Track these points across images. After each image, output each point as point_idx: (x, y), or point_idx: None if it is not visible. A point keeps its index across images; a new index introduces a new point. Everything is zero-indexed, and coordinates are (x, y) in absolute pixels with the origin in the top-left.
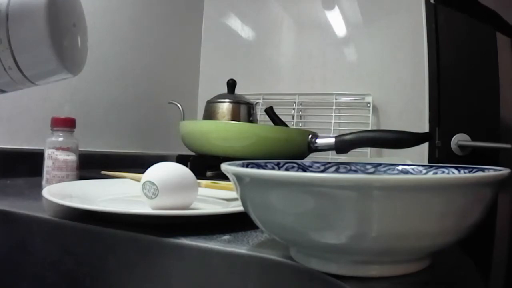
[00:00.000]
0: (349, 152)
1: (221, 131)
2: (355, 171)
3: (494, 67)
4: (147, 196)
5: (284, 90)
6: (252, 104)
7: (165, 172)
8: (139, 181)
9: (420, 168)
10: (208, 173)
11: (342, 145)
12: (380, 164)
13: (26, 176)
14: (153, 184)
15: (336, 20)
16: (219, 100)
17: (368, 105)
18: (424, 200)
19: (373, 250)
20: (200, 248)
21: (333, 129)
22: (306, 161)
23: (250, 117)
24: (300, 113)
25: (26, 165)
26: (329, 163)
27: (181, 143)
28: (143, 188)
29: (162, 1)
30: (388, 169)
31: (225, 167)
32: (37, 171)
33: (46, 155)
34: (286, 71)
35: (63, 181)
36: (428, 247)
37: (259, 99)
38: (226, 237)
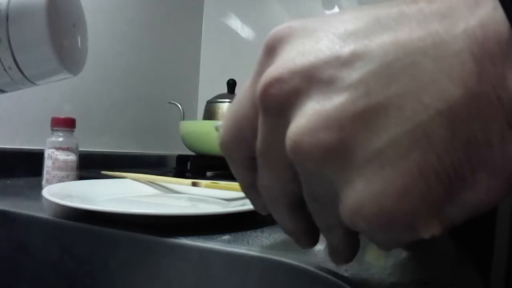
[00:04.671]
0: None
1: None
2: None
3: None
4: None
5: None
6: None
7: None
8: (139, 181)
9: None
10: (208, 173)
11: None
12: None
13: (26, 176)
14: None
15: None
16: (219, 100)
17: None
18: None
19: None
20: (200, 248)
21: None
22: None
23: None
24: None
25: (26, 165)
26: None
27: (181, 143)
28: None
29: (162, 1)
30: None
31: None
32: (37, 171)
33: (46, 155)
34: None
35: (63, 181)
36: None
37: None
38: (226, 237)
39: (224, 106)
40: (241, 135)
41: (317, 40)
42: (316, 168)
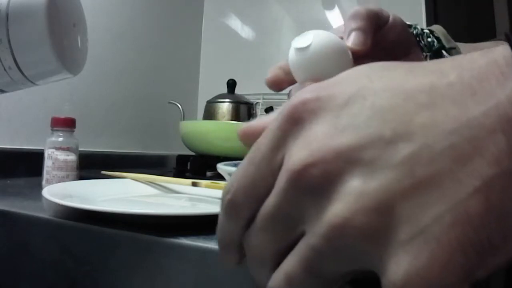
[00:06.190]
0: None
1: (221, 131)
2: None
3: None
4: (297, 48)
5: (284, 90)
6: (252, 104)
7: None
8: (139, 181)
9: None
10: (208, 173)
11: None
12: None
13: (26, 176)
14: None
15: (336, 20)
16: (219, 100)
17: None
18: None
19: None
20: (200, 248)
21: None
22: None
23: (250, 117)
24: None
25: (26, 165)
26: None
27: (181, 143)
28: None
29: (162, 1)
30: None
31: (221, 167)
32: (37, 171)
33: (46, 155)
34: None
35: (63, 181)
36: None
37: (259, 99)
38: None
39: (224, 106)
40: (255, 197)
41: (353, 116)
42: (359, 245)
